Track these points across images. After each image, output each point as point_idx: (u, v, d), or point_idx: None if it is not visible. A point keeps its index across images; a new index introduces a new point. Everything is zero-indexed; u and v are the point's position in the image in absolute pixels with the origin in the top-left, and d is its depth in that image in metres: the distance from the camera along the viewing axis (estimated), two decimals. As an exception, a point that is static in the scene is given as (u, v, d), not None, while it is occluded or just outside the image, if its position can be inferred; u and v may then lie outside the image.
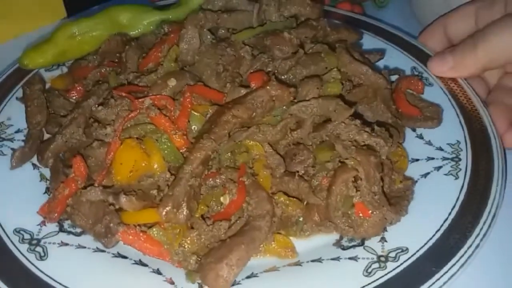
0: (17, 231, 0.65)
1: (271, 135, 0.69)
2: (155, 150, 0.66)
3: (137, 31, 0.90)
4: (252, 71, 0.75)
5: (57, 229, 0.67)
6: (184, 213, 0.60)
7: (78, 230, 0.67)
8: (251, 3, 0.85)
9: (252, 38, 0.80)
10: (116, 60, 0.86)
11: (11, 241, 0.63)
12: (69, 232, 0.67)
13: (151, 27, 0.90)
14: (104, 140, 0.70)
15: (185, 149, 0.67)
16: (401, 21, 1.19)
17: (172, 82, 0.70)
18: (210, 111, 0.71)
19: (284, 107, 0.71)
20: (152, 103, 0.68)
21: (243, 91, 0.71)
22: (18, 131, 0.81)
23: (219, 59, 0.75)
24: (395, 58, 0.96)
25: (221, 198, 0.64)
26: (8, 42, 1.15)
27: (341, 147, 0.65)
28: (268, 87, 0.68)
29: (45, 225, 0.67)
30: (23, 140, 0.80)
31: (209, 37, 0.78)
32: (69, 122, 0.74)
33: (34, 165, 0.77)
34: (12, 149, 0.78)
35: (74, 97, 0.84)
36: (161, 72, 0.74)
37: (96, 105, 0.72)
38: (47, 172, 0.76)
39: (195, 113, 0.69)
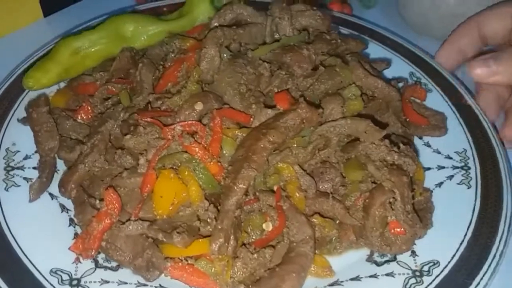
0: (53, 271, 0.63)
1: (302, 157, 0.70)
2: (192, 179, 0.65)
3: (140, 42, 0.87)
4: (275, 90, 0.75)
5: (93, 265, 0.65)
6: (232, 244, 0.61)
7: (114, 264, 0.66)
8: (261, 15, 0.84)
9: (268, 54, 0.80)
10: (122, 75, 0.83)
11: (51, 283, 0.61)
12: (106, 268, 0.65)
13: (155, 38, 0.87)
14: (133, 168, 0.68)
15: (220, 176, 0.67)
16: (388, 22, 1.22)
17: (199, 106, 0.69)
18: (238, 134, 0.71)
19: (312, 128, 0.72)
20: (183, 130, 0.67)
21: (270, 112, 0.72)
22: (26, 157, 0.77)
23: (241, 78, 0.74)
24: (393, 64, 0.99)
25: (264, 225, 0.65)
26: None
27: (373, 168, 0.67)
28: (299, 110, 0.69)
29: (80, 261, 0.65)
30: (33, 168, 0.76)
31: (225, 55, 0.77)
32: (90, 150, 0.71)
33: (51, 195, 0.73)
34: (25, 178, 0.74)
35: (83, 118, 0.80)
36: (185, 95, 0.72)
37: (125, 134, 0.69)
38: (66, 202, 0.73)
39: (226, 137, 0.69)
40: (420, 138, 0.87)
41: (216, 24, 0.81)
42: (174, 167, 0.66)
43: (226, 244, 0.59)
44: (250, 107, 0.73)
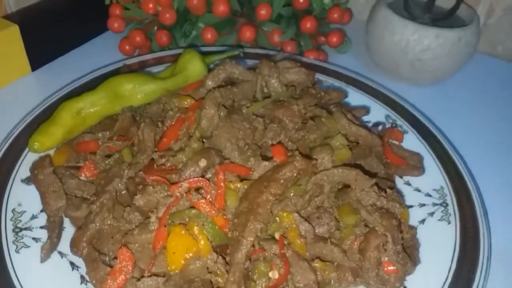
0: (73, 332, 0.65)
1: (300, 205, 0.75)
2: (201, 234, 0.69)
3: (138, 101, 0.91)
4: (269, 141, 0.82)
5: (109, 322, 0.68)
6: (244, 294, 0.65)
7: (129, 319, 0.69)
8: (251, 73, 0.91)
9: (261, 109, 0.86)
10: (122, 134, 0.87)
11: None
12: (122, 323, 0.68)
13: (152, 96, 0.92)
14: (142, 225, 0.72)
15: (226, 228, 0.71)
16: (360, 66, 1.32)
17: (203, 163, 0.74)
18: (240, 186, 0.76)
19: (307, 178, 0.78)
20: (189, 187, 0.72)
21: (267, 164, 0.77)
22: (33, 217, 0.80)
23: (238, 133, 0.80)
24: (371, 107, 1.08)
25: (270, 274, 0.70)
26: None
27: (366, 213, 0.74)
28: (295, 163, 0.75)
29: (96, 320, 0.68)
30: (41, 227, 0.79)
31: (222, 113, 0.82)
32: (99, 209, 0.74)
33: (61, 253, 0.76)
34: (34, 238, 0.77)
35: (86, 176, 0.83)
36: (188, 153, 0.77)
37: (133, 193, 0.73)
38: (75, 259, 0.75)
39: (229, 190, 0.74)
40: (401, 177, 0.95)
41: (210, 83, 0.88)
42: (182, 222, 0.71)
43: (239, 295, 0.64)
44: (248, 160, 0.78)
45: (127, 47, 1.23)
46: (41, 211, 0.80)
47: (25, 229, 0.78)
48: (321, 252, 0.74)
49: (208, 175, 0.75)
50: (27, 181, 0.84)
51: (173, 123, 0.82)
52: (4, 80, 1.16)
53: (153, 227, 0.70)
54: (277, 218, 0.75)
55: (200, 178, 0.73)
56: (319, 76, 1.13)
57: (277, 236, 0.73)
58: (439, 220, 0.86)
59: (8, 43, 1.14)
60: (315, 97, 0.90)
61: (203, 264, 0.69)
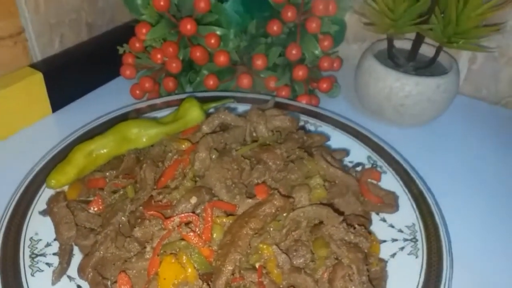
0: None
1: (278, 238, 0.86)
2: (189, 263, 0.80)
3: (142, 143, 1.04)
4: (254, 180, 0.93)
5: None
6: (223, 319, 0.75)
7: (126, 337, 0.79)
8: (242, 119, 1.04)
9: (249, 152, 0.98)
10: (127, 172, 0.99)
11: None
12: None
13: (155, 138, 1.05)
14: (140, 254, 0.83)
15: (211, 258, 0.82)
16: (349, 109, 1.43)
17: (194, 200, 0.86)
18: (225, 221, 0.87)
19: (285, 214, 0.89)
20: (180, 221, 0.83)
21: (250, 201, 0.88)
22: (47, 245, 0.91)
23: (227, 173, 0.91)
24: (354, 149, 1.19)
25: (248, 300, 0.80)
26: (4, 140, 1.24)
27: (335, 246, 0.84)
28: (274, 202, 0.86)
29: (98, 335, 0.78)
30: (53, 254, 0.90)
31: (213, 156, 0.94)
32: (103, 239, 0.86)
33: (70, 277, 0.87)
34: (47, 264, 0.88)
35: (94, 209, 0.95)
36: (182, 191, 0.89)
37: (133, 226, 0.85)
38: (82, 283, 0.87)
39: (215, 225, 0.85)
40: (377, 214, 1.04)
41: (205, 128, 1.00)
42: (173, 252, 0.82)
43: (219, 319, 0.74)
44: (234, 197, 0.89)
45: (137, 92, 1.37)
46: (54, 239, 0.92)
47: (40, 255, 0.89)
48: (296, 281, 0.84)
49: (198, 211, 0.87)
50: (43, 213, 0.96)
51: (170, 164, 0.94)
52: (28, 121, 1.31)
53: (148, 256, 0.81)
54: (259, 250, 0.86)
55: (190, 213, 0.84)
56: (309, 119, 1.25)
57: (257, 266, 0.83)
58: (408, 254, 0.95)
59: (33, 88, 1.29)
60: (298, 142, 1.01)
61: (190, 289, 0.80)
